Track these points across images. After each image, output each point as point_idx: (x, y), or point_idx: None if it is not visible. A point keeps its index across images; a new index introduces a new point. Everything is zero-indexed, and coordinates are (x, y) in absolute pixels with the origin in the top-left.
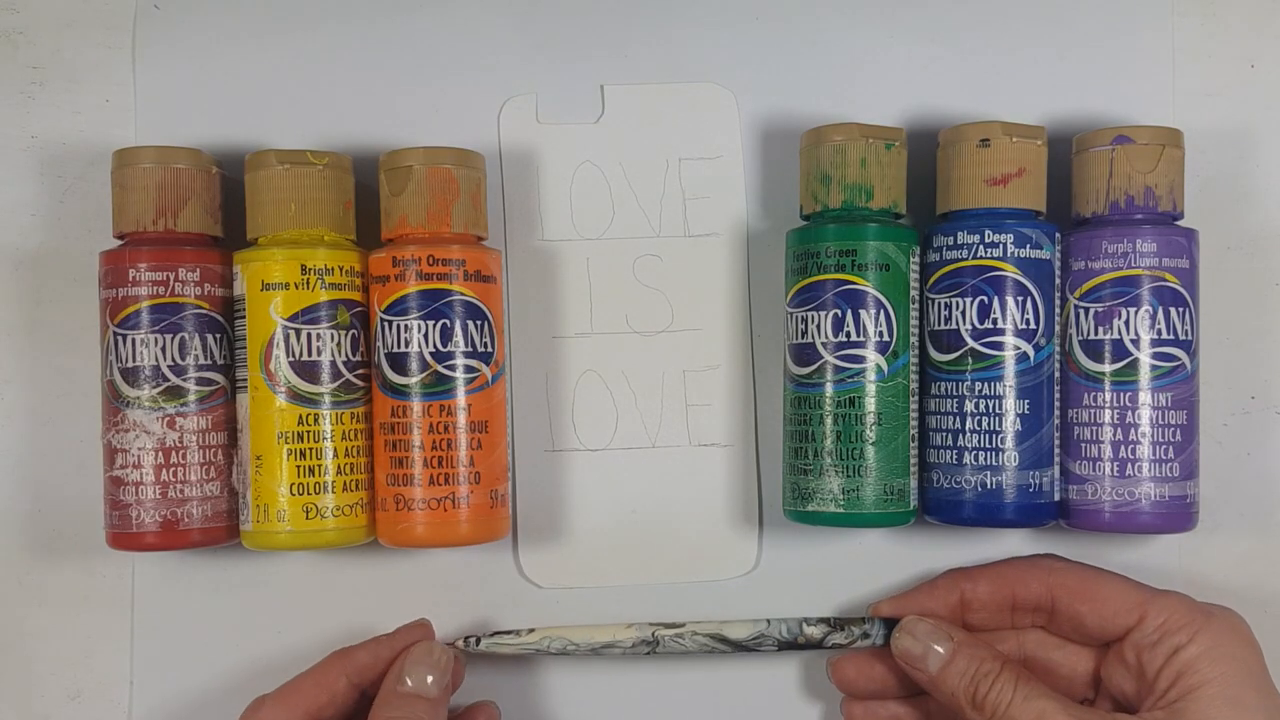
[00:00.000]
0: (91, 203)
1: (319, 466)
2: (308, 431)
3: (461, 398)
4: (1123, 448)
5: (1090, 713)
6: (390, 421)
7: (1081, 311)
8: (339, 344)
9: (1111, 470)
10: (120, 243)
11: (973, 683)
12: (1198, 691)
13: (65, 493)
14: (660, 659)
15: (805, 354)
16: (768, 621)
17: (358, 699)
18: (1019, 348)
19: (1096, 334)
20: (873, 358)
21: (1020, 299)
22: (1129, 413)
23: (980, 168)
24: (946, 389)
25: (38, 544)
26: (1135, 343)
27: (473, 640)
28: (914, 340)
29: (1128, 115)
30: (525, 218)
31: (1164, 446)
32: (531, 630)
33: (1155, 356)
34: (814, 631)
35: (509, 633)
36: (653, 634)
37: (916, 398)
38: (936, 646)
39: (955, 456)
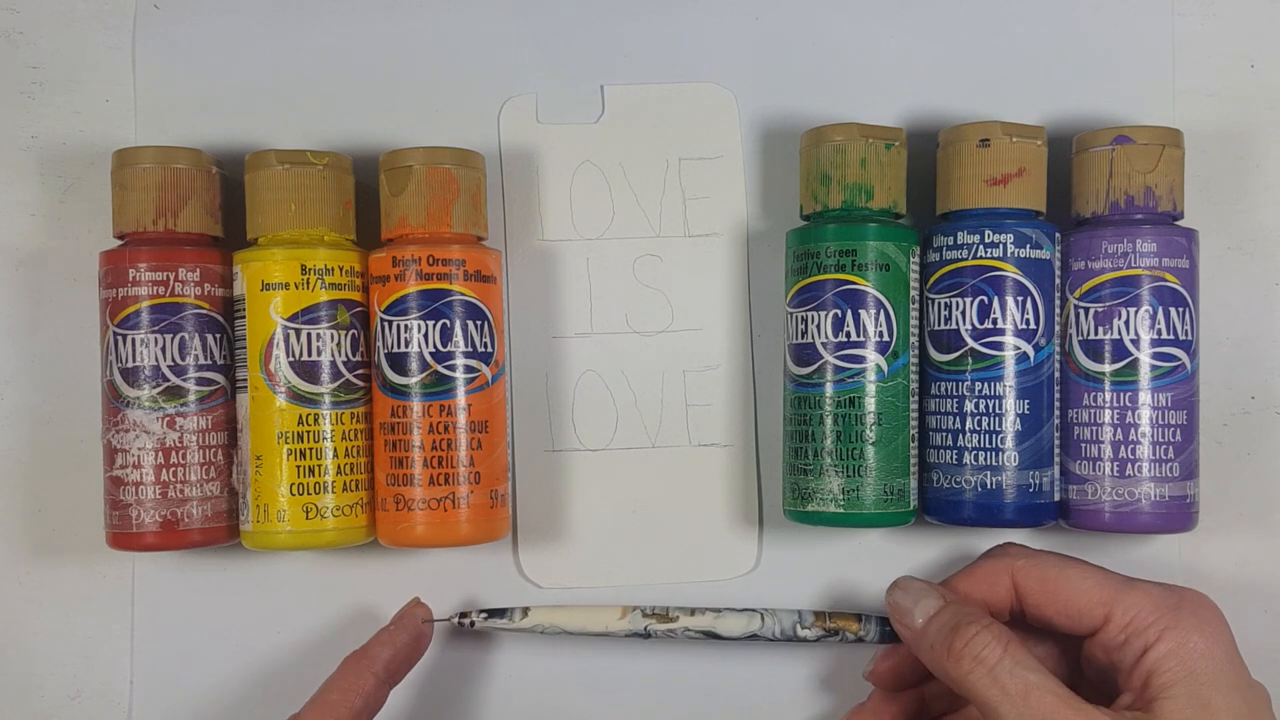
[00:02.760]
0: (91, 203)
1: (319, 466)
2: (308, 431)
3: (461, 398)
4: (1123, 448)
5: (1073, 698)
6: (390, 421)
7: (1081, 311)
8: (339, 344)
9: (1111, 470)
10: (120, 243)
11: (951, 633)
12: (1169, 691)
13: (65, 493)
14: (655, 648)
15: (805, 354)
16: (761, 619)
17: (387, 695)
18: (1019, 348)
19: (1096, 334)
20: (873, 358)
21: (1020, 299)
22: (1129, 413)
23: (980, 168)
24: (946, 389)
25: (38, 544)
26: (1135, 343)
27: (467, 621)
28: (914, 340)
29: (1128, 115)
30: (525, 218)
31: (1164, 446)
32: (526, 613)
33: (1155, 356)
34: (808, 634)
35: (502, 614)
36: (645, 628)
37: (916, 398)
38: (924, 601)
39: (955, 456)
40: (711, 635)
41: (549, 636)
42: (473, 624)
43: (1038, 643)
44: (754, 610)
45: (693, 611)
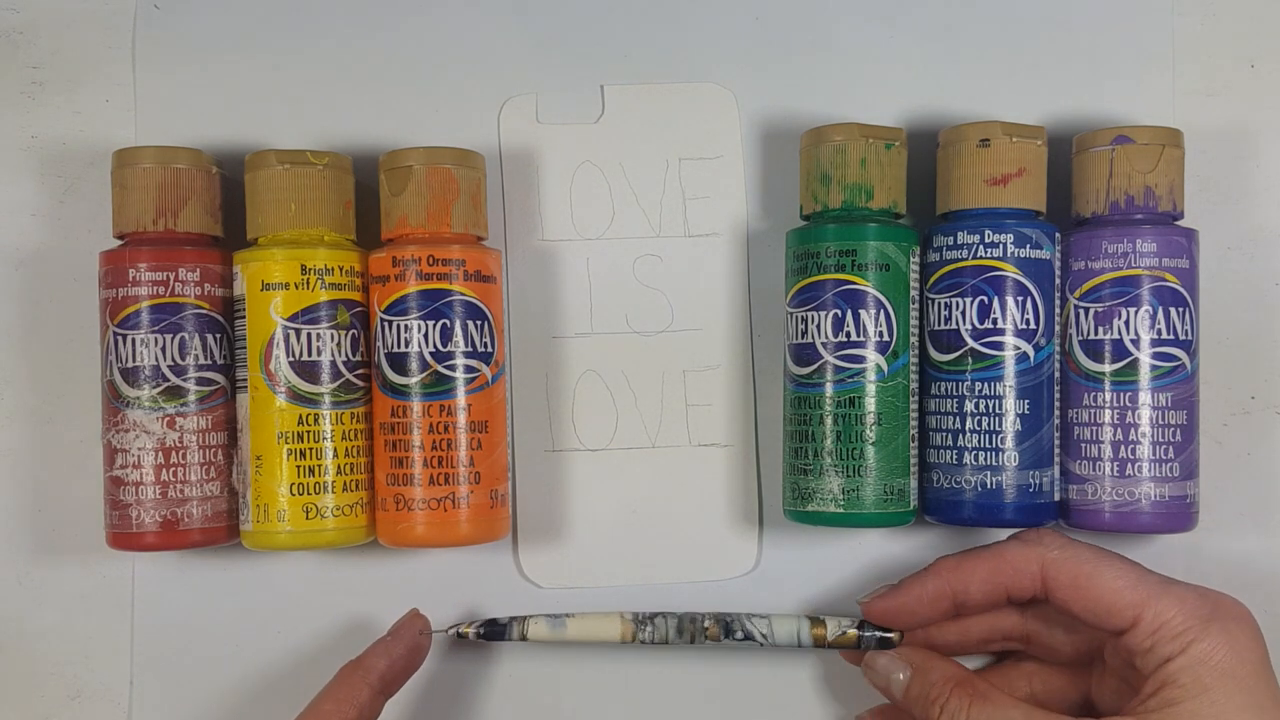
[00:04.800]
0: (91, 203)
1: (319, 466)
2: (308, 431)
3: (461, 398)
4: (1123, 448)
5: (1051, 718)
6: (390, 421)
7: (1081, 311)
8: (339, 344)
9: (1111, 470)
10: (120, 243)
11: (925, 707)
12: (1178, 706)
13: (65, 493)
14: (655, 656)
15: (805, 354)
16: (763, 638)
17: (383, 705)
18: (1019, 348)
19: (1096, 334)
20: (873, 358)
21: (1020, 299)
22: (1129, 413)
23: (980, 168)
24: (946, 389)
25: (38, 544)
26: (1135, 343)
27: (465, 634)
28: (914, 340)
29: (1128, 115)
30: (525, 218)
31: (1164, 446)
32: (524, 630)
33: (1155, 356)
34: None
35: (500, 632)
36: (645, 638)
37: (916, 398)
38: (894, 675)
39: (955, 456)
40: (711, 645)
41: (547, 645)
42: (470, 636)
43: (1065, 632)
44: (749, 623)
45: (692, 638)
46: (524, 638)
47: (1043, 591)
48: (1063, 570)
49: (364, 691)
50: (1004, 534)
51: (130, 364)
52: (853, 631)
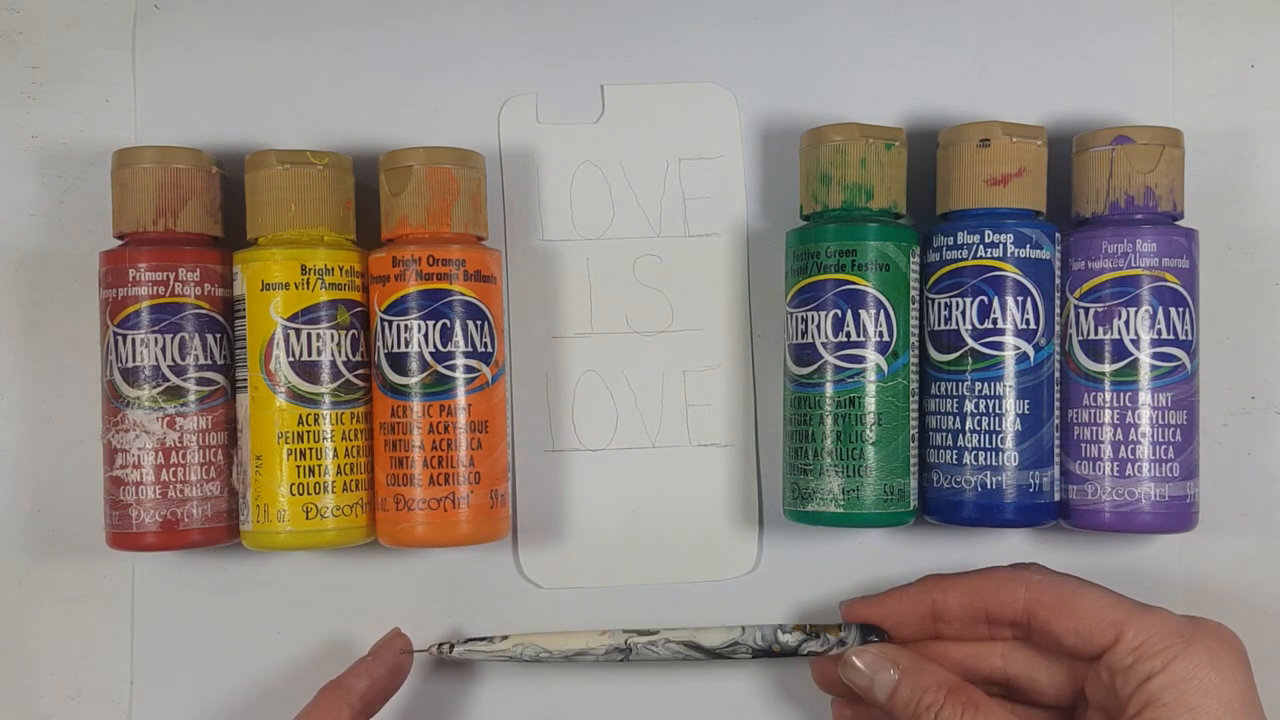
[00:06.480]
0: (91, 203)
1: (319, 466)
2: (308, 431)
3: (461, 398)
4: (1123, 448)
5: None
6: (390, 421)
7: (1081, 311)
8: (339, 344)
9: (1111, 470)
10: (120, 243)
11: (916, 713)
12: None
13: (65, 493)
14: (638, 667)
15: (805, 354)
16: (742, 629)
17: None
18: (1019, 348)
19: (1096, 334)
20: (873, 358)
21: (1020, 299)
22: (1129, 413)
23: (980, 168)
24: (946, 389)
25: (38, 544)
26: (1135, 343)
27: (445, 647)
28: (914, 340)
29: (1128, 115)
30: (525, 218)
31: (1164, 446)
32: (505, 637)
33: (1155, 356)
34: (789, 639)
35: (482, 640)
36: (625, 641)
37: (916, 398)
38: (880, 675)
39: (955, 456)
40: (691, 646)
41: (530, 666)
42: (451, 648)
43: (1045, 664)
44: (734, 626)
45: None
46: (502, 642)
47: (1024, 615)
48: (1046, 590)
49: (344, 712)
50: (1003, 534)
51: (130, 364)
52: (836, 633)
